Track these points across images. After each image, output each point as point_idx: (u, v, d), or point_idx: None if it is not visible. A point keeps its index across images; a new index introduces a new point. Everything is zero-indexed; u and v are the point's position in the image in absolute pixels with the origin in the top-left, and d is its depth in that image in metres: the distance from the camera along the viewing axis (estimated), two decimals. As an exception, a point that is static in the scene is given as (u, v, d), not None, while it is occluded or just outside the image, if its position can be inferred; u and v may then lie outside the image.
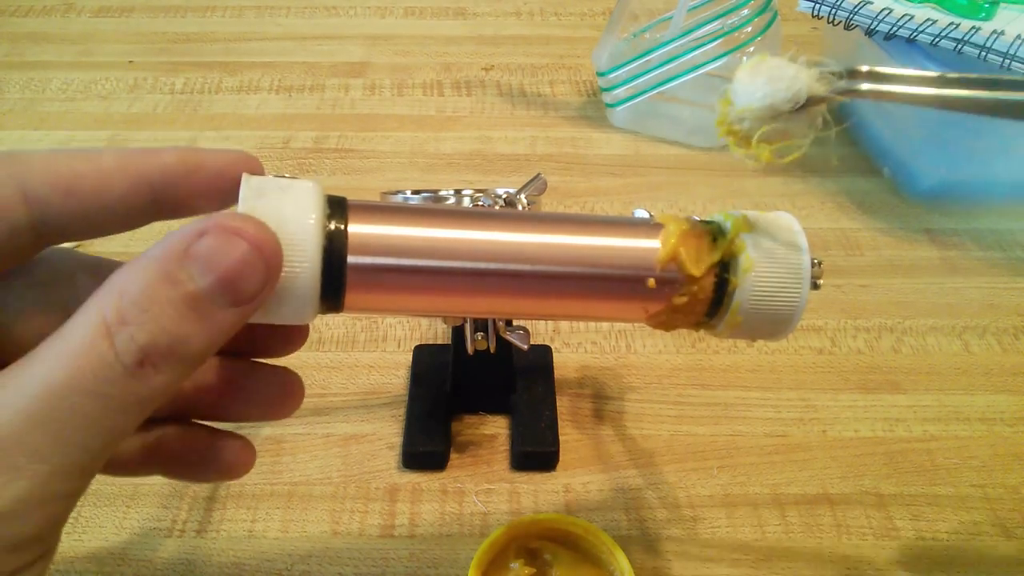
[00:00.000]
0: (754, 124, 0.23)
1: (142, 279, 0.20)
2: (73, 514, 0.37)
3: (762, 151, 0.24)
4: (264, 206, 0.22)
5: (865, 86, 0.24)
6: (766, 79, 0.23)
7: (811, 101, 0.23)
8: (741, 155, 0.24)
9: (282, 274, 0.22)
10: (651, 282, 0.26)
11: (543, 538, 0.35)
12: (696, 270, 0.26)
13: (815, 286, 0.27)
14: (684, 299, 0.26)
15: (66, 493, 0.20)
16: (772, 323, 0.27)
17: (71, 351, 0.19)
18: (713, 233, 0.26)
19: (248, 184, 0.23)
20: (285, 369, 0.27)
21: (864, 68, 0.24)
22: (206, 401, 0.26)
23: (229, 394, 0.27)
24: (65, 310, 0.24)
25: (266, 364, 0.27)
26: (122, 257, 0.22)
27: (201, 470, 0.27)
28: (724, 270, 0.26)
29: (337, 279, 0.23)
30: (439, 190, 0.35)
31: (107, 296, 0.20)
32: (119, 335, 0.19)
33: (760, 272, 0.26)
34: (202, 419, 0.27)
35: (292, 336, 0.28)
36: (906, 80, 0.24)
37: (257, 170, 0.24)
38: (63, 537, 0.36)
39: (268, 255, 0.21)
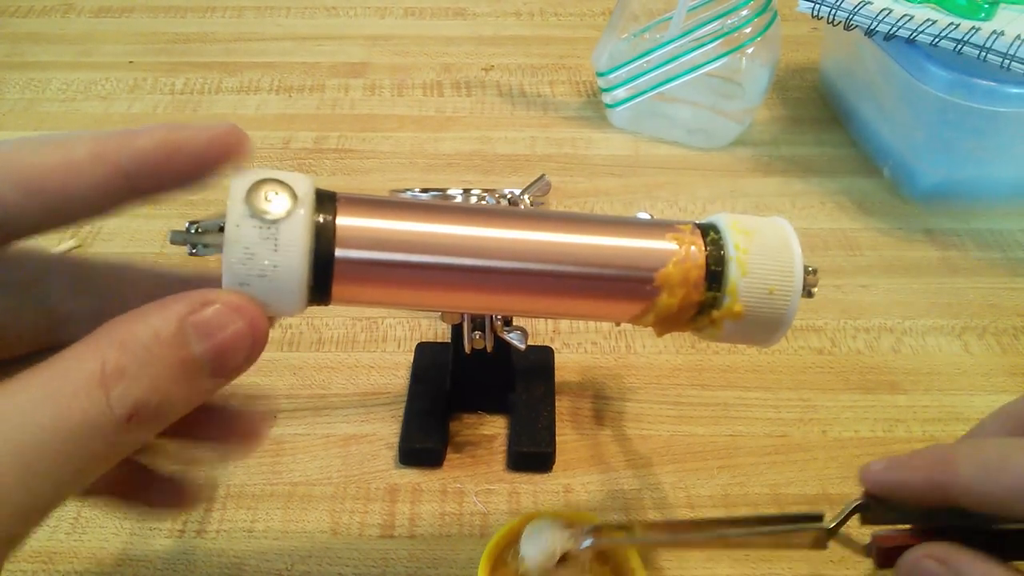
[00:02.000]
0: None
1: (146, 335, 0.20)
2: (73, 514, 0.37)
3: None
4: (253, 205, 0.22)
5: (607, 540, 0.32)
6: (532, 543, 0.32)
7: (568, 555, 0.32)
8: None
9: (271, 265, 0.22)
10: (637, 308, 0.26)
11: None
12: (681, 327, 0.27)
13: (809, 294, 0.27)
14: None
15: (10, 536, 0.19)
16: (761, 331, 0.27)
17: (62, 392, 0.19)
18: (709, 281, 0.26)
19: (237, 183, 0.23)
20: (250, 413, 0.27)
21: (609, 525, 0.34)
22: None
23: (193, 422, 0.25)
24: (39, 307, 0.24)
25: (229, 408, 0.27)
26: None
27: (140, 503, 0.26)
28: (715, 285, 0.26)
29: (325, 272, 0.23)
30: (447, 189, 0.36)
31: (108, 344, 0.20)
32: (116, 387, 0.19)
33: (751, 281, 0.26)
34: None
35: None
36: (644, 529, 0.32)
37: (241, 145, 0.23)
38: (63, 537, 0.36)
39: (257, 336, 0.21)
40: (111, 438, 0.19)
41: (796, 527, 0.31)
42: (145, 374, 0.20)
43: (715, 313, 0.26)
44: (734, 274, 0.26)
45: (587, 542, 0.31)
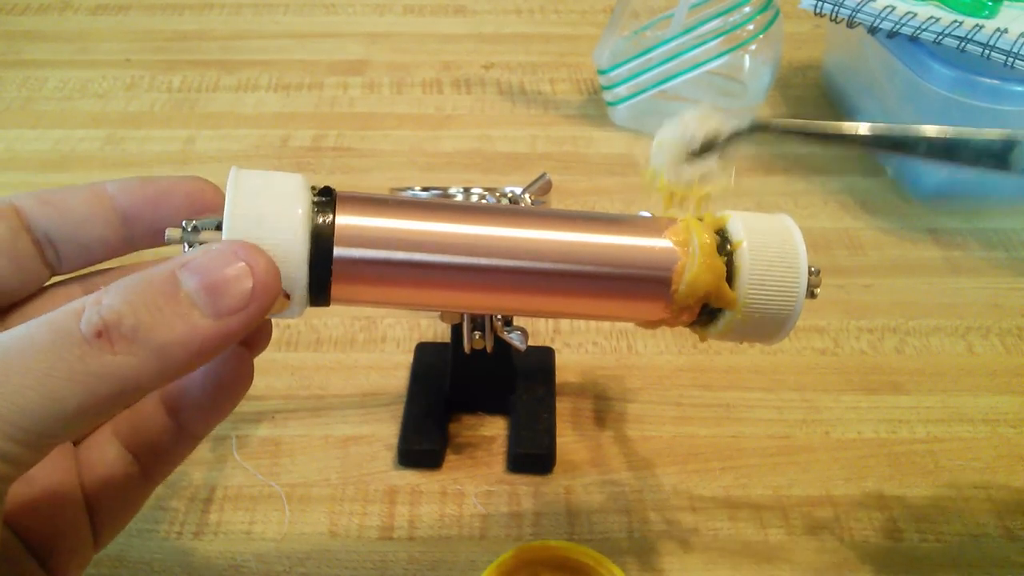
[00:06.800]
0: (671, 164, 0.27)
1: (136, 277, 0.20)
2: (68, 516, 0.37)
3: (690, 193, 0.27)
4: (251, 199, 0.22)
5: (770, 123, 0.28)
6: (676, 123, 0.27)
7: (717, 139, 0.27)
8: (673, 212, 0.27)
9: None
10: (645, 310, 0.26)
11: (551, 566, 0.35)
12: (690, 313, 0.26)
13: (812, 295, 0.26)
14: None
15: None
16: (764, 329, 0.26)
17: (43, 319, 0.20)
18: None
19: (236, 178, 0.22)
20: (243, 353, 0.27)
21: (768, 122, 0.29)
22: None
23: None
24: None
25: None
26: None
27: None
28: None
29: (323, 272, 0.23)
30: (448, 187, 0.35)
31: (102, 289, 0.20)
32: (89, 309, 0.19)
33: (754, 281, 0.25)
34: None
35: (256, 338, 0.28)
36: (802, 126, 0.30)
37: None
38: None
39: (260, 277, 0.21)
40: (80, 354, 0.19)
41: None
42: (121, 300, 0.20)
43: (718, 312, 0.26)
44: (737, 272, 0.26)
45: (743, 125, 0.27)
